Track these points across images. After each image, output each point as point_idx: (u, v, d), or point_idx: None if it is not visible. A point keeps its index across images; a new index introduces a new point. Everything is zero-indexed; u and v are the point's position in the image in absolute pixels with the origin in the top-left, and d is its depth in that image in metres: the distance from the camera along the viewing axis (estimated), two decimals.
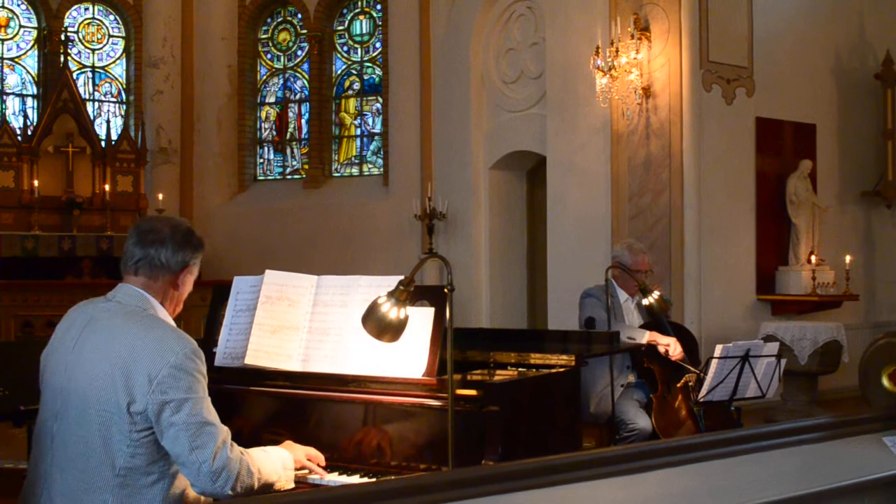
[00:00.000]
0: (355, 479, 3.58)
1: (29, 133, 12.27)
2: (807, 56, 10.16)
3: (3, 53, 13.26)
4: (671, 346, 5.83)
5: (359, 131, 13.97)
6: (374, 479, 3.51)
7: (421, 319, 3.68)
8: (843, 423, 2.96)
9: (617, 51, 9.27)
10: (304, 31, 14.05)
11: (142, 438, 2.97)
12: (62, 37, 13.03)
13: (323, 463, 3.61)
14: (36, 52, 13.48)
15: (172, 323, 3.22)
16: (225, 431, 3.06)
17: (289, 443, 3.55)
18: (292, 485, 3.31)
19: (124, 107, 13.95)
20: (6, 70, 13.28)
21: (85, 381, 3.02)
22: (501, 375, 3.99)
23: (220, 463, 2.98)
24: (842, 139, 10.51)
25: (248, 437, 3.82)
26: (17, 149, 12.13)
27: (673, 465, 2.51)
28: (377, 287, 3.74)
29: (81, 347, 3.09)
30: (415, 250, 12.24)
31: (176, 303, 3.30)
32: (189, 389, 2.99)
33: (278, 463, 3.29)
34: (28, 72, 13.43)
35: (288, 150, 14.26)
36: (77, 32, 13.71)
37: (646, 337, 5.86)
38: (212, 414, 3.05)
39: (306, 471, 3.54)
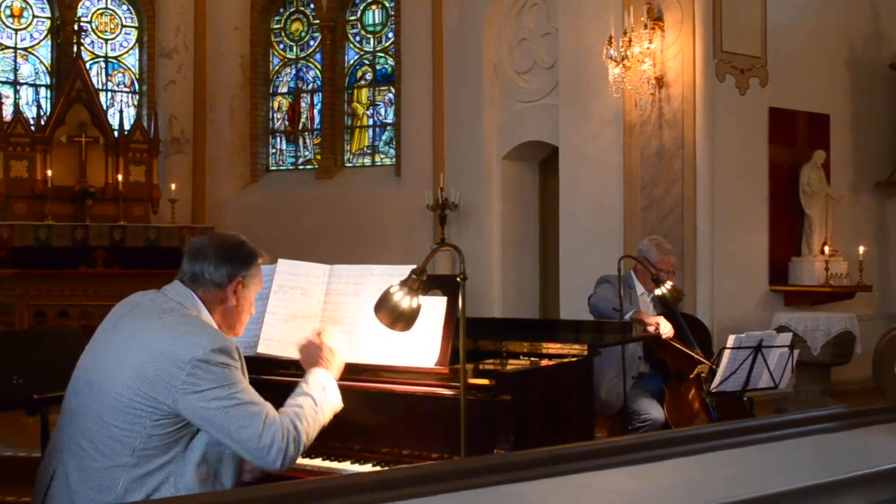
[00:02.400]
0: (368, 468, 3.59)
1: (42, 123, 12.31)
2: (820, 46, 10.10)
3: (16, 43, 13.29)
4: (660, 325, 5.81)
5: (371, 121, 13.98)
6: (386, 468, 3.52)
7: (433, 309, 3.69)
8: (856, 414, 2.95)
9: (630, 41, 9.24)
10: (317, 21, 14.05)
11: (161, 422, 3.02)
12: (75, 27, 13.06)
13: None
14: (49, 43, 13.51)
15: (213, 325, 3.26)
16: (267, 406, 3.12)
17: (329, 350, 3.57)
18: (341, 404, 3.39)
19: (137, 97, 13.98)
20: (20, 60, 13.31)
21: (112, 365, 3.08)
22: (514, 365, 3.99)
23: (268, 439, 3.05)
24: (856, 129, 10.46)
25: None
26: (30, 139, 12.17)
27: (685, 454, 2.51)
28: (390, 276, 3.74)
29: (117, 332, 3.16)
30: (427, 241, 12.25)
31: (233, 319, 3.35)
32: (220, 378, 3.04)
33: (327, 404, 3.35)
34: (41, 62, 13.46)
35: (300, 141, 14.28)
36: (90, 22, 13.73)
37: (630, 314, 5.84)
38: (249, 394, 3.11)
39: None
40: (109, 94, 13.80)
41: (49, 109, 12.79)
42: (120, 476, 3.01)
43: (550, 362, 4.08)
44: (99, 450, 3.03)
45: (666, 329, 5.80)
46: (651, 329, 5.79)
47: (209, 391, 3.00)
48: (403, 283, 3.40)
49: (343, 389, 3.83)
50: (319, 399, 3.32)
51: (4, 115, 12.32)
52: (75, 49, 12.83)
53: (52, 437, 3.27)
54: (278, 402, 3.97)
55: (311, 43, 14.23)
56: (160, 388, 2.99)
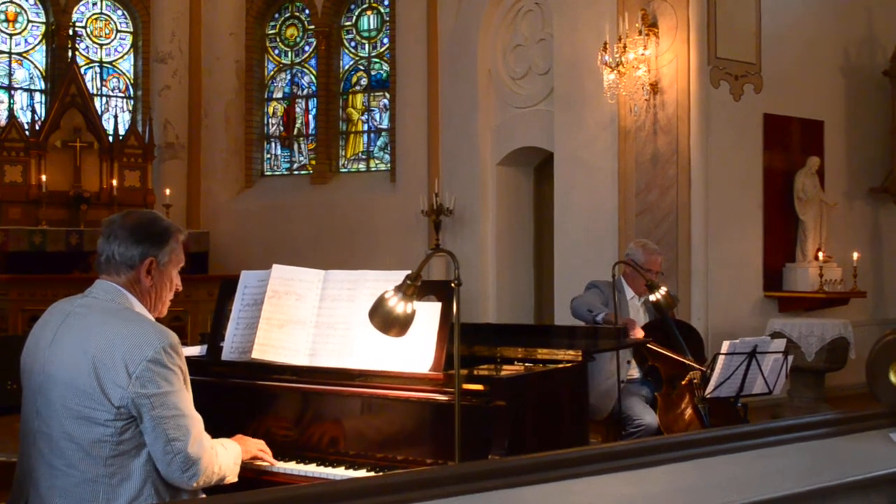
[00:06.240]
0: (362, 474, 3.59)
1: (37, 128, 12.30)
2: (815, 52, 10.13)
3: (11, 48, 13.27)
4: (628, 325, 5.80)
5: (366, 127, 13.97)
6: (380, 474, 3.51)
7: (428, 314, 3.68)
8: (850, 420, 2.96)
9: (625, 47, 9.25)
10: (312, 27, 14.05)
11: (125, 427, 2.99)
12: (70, 32, 13.04)
13: (271, 457, 3.70)
14: (44, 48, 13.49)
15: (150, 317, 3.20)
16: (200, 423, 3.12)
17: (240, 437, 3.61)
18: (236, 479, 3.33)
19: (132, 102, 13.96)
20: (14, 65, 13.29)
21: (64, 377, 3.02)
22: (508, 370, 3.99)
23: (195, 454, 3.04)
24: (849, 135, 10.49)
25: (254, 431, 3.83)
26: (24, 144, 12.15)
27: (679, 460, 2.51)
28: (384, 282, 3.74)
29: (59, 344, 3.09)
30: (422, 246, 12.24)
31: (154, 299, 3.25)
32: (168, 382, 3.01)
33: (232, 459, 3.33)
34: (36, 67, 13.45)
35: (295, 146, 14.27)
36: (85, 27, 13.71)
37: (602, 315, 5.86)
38: (189, 406, 3.09)
39: (261, 462, 3.66)
40: (104, 98, 13.78)
41: (44, 114, 12.78)
42: (99, 488, 2.98)
43: (545, 368, 4.08)
44: (73, 465, 2.99)
45: (634, 328, 5.81)
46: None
47: (154, 396, 2.96)
48: (398, 289, 3.40)
49: (337, 395, 3.83)
50: (229, 456, 3.33)
51: None
52: (70, 54, 12.82)
53: (17, 466, 3.20)
54: (272, 408, 3.97)
55: (307, 48, 14.23)
56: (115, 390, 2.96)
